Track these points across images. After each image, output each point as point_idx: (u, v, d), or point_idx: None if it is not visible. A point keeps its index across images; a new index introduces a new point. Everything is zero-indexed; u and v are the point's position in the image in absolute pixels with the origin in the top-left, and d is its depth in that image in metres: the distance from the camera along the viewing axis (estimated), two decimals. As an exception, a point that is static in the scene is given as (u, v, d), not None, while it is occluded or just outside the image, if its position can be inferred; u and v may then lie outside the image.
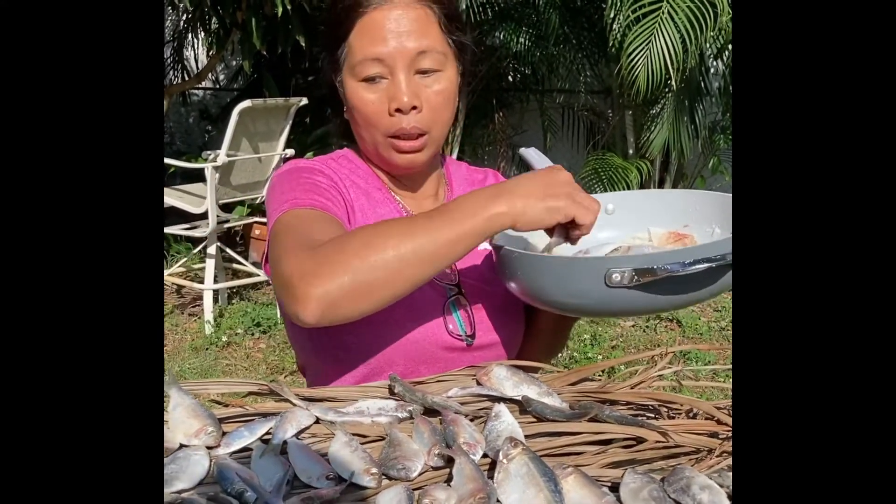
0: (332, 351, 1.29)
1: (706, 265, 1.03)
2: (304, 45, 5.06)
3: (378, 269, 1.03)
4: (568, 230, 1.12)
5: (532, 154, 1.34)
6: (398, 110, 1.25)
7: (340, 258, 1.04)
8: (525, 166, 1.34)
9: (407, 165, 1.32)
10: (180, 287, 4.96)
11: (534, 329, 1.43)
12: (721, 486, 0.85)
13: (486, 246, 1.42)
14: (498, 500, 0.83)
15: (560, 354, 4.17)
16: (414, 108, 1.25)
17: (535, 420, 1.04)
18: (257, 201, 4.93)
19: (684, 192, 1.43)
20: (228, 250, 4.87)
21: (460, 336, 1.32)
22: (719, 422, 1.03)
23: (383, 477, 0.89)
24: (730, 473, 0.90)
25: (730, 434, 0.99)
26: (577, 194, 1.09)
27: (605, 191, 5.75)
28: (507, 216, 1.06)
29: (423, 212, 1.10)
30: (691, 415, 1.09)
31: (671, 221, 1.33)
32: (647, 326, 4.51)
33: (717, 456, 0.94)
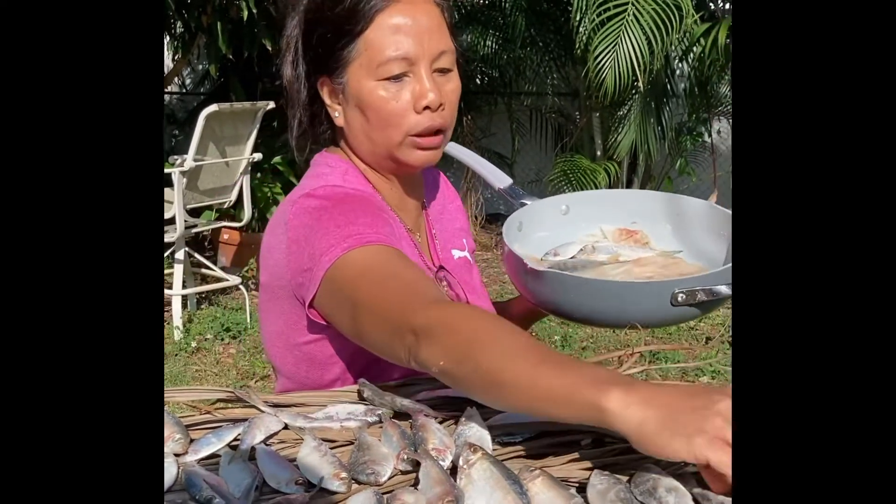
0: (308, 354, 1.28)
1: None
2: (270, 48, 5.05)
3: (463, 376, 0.97)
4: None
5: (458, 150, 1.40)
6: (427, 108, 1.22)
7: (446, 341, 0.98)
8: (458, 163, 1.40)
9: (424, 163, 1.29)
10: (148, 293, 4.91)
11: None
12: (686, 487, 0.86)
13: (460, 254, 1.43)
14: (465, 504, 0.83)
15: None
16: (441, 105, 1.23)
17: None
18: (225, 205, 4.90)
19: (632, 192, 1.58)
20: (197, 255, 4.84)
21: None
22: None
23: (353, 481, 0.89)
24: (692, 474, 0.92)
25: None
26: (722, 436, 0.77)
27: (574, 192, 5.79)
28: (624, 426, 0.82)
29: (544, 349, 0.96)
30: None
31: (621, 219, 1.43)
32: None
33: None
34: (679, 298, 1.14)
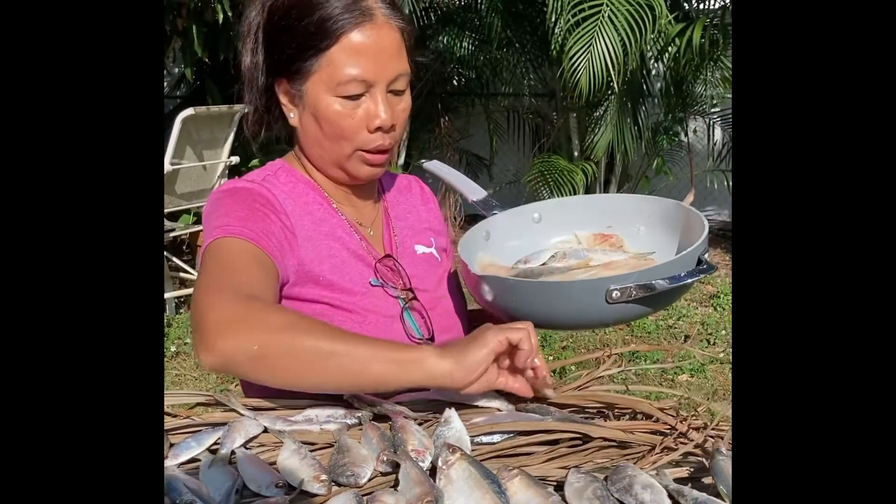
0: None
1: (699, 276, 1.15)
2: (246, 51, 5.02)
3: (287, 357, 1.03)
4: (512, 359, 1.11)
5: (437, 166, 1.42)
6: (379, 128, 1.27)
7: (259, 325, 1.04)
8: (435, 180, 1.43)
9: (369, 177, 1.35)
10: (126, 298, 4.89)
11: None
12: (661, 484, 0.87)
13: (425, 250, 1.45)
14: (444, 504, 0.84)
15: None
16: (392, 126, 1.29)
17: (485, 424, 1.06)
18: (203, 209, 4.87)
19: (605, 196, 1.58)
20: (175, 259, 4.82)
21: (420, 340, 1.34)
22: (658, 421, 1.05)
23: (333, 483, 0.90)
24: (667, 471, 0.93)
25: (668, 432, 1.02)
26: (501, 333, 1.07)
27: (552, 193, 5.80)
28: (449, 377, 1.04)
29: (365, 337, 1.08)
30: (634, 416, 1.11)
31: (595, 224, 1.43)
32: (595, 326, 4.55)
33: (657, 453, 0.97)
34: (614, 295, 1.13)
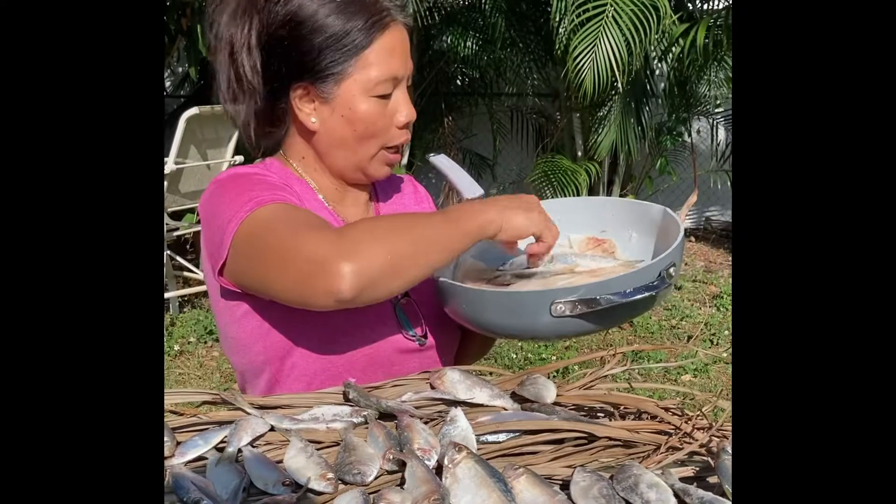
0: (287, 361, 1.30)
1: (646, 293, 1.10)
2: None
3: (407, 252, 1.12)
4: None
5: (443, 161, 1.42)
6: (405, 124, 1.33)
7: (374, 239, 1.11)
8: (437, 173, 1.44)
9: (384, 177, 1.40)
10: (130, 297, 4.89)
11: (468, 333, 1.46)
12: (667, 483, 0.87)
13: None
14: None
15: (514, 356, 4.21)
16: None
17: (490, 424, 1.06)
18: (207, 209, 4.87)
19: (600, 200, 1.53)
20: (179, 258, 4.83)
21: (413, 337, 1.35)
22: (662, 420, 1.06)
23: (339, 482, 0.90)
24: (673, 471, 0.93)
25: (674, 432, 1.02)
26: (546, 216, 1.23)
27: (556, 193, 5.80)
28: (495, 223, 1.19)
29: (421, 212, 1.20)
30: (639, 415, 1.11)
31: (589, 227, 1.40)
32: (598, 326, 4.54)
33: (662, 453, 0.97)
34: (558, 309, 1.10)
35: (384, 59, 1.28)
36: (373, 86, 1.28)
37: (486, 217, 1.18)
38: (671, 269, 1.13)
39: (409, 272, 1.13)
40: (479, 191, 1.46)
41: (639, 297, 1.09)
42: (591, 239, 1.37)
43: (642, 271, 1.12)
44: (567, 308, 1.10)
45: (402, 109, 1.33)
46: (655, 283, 1.10)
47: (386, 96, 1.30)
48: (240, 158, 4.82)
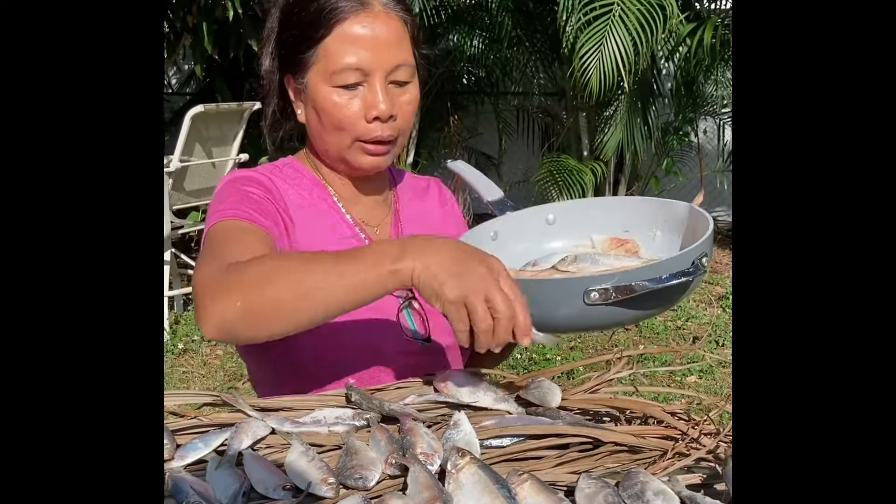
0: (289, 360, 1.29)
1: (682, 279, 1.07)
2: (256, 49, 5.03)
3: (269, 303, 1.02)
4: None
5: (461, 166, 1.41)
6: (377, 118, 1.28)
7: (238, 283, 1.04)
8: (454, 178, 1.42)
9: (371, 167, 1.35)
10: (134, 295, 4.90)
11: None
12: (673, 490, 0.86)
13: None
14: (454, 508, 0.83)
15: (519, 356, 4.19)
16: (391, 116, 1.29)
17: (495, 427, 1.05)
18: (211, 207, 4.88)
19: (623, 199, 1.50)
20: (183, 256, 4.83)
21: (416, 339, 1.33)
22: (669, 426, 1.04)
23: (340, 486, 0.89)
24: (680, 477, 0.92)
25: (680, 437, 1.01)
26: (491, 289, 0.98)
27: (561, 193, 5.79)
28: (407, 277, 1.01)
29: (334, 252, 1.06)
30: (645, 420, 1.10)
31: (612, 227, 1.37)
32: (604, 327, 4.54)
33: (669, 459, 0.96)
34: (592, 296, 1.06)
35: (344, 47, 1.25)
36: (330, 75, 1.26)
37: (395, 266, 1.00)
38: (703, 259, 1.11)
39: (272, 325, 1.04)
40: (499, 193, 1.46)
41: (674, 282, 1.07)
42: (615, 239, 1.35)
43: (676, 259, 1.11)
44: (601, 295, 1.07)
45: (372, 101, 1.27)
46: (690, 270, 1.09)
47: (350, 87, 1.26)
48: (245, 156, 4.82)
